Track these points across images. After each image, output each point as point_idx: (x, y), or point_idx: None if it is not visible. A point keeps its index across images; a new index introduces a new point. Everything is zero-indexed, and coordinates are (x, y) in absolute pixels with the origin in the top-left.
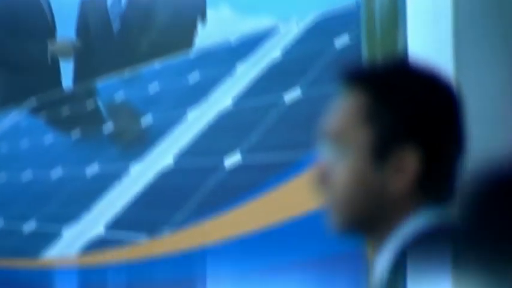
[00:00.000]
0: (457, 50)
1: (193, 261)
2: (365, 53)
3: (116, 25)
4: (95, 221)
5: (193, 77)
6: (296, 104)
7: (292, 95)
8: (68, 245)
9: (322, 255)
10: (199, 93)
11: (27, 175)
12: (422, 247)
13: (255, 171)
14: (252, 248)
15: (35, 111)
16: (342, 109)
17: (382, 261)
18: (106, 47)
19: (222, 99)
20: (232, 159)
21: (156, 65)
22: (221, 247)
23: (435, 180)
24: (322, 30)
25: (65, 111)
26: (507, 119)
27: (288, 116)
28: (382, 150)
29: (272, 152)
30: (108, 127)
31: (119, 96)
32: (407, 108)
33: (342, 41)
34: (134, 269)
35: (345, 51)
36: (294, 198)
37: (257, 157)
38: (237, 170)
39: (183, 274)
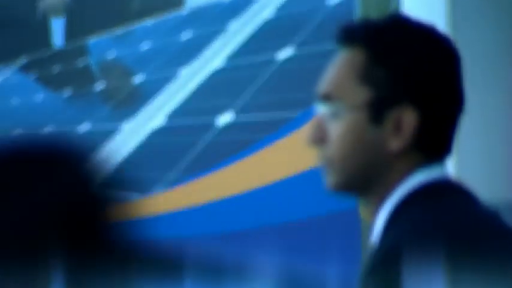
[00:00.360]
0: (451, 8)
1: (185, 219)
2: (358, 11)
3: None
4: None
5: (186, 35)
6: (289, 62)
7: (285, 53)
8: None
9: (315, 214)
10: (191, 51)
11: (18, 133)
12: (420, 201)
13: (248, 130)
14: (245, 207)
15: (26, 69)
16: (338, 68)
17: (380, 220)
18: (98, 4)
19: (215, 57)
20: (225, 118)
21: (148, 23)
22: (214, 206)
23: (433, 139)
24: None
25: (56, 69)
26: (502, 78)
27: (280, 74)
28: (379, 109)
29: (265, 110)
30: (100, 85)
31: (111, 54)
32: (404, 67)
33: None
34: (125, 228)
35: (338, 10)
36: (287, 157)
37: (250, 116)
38: (229, 128)
39: (174, 233)
